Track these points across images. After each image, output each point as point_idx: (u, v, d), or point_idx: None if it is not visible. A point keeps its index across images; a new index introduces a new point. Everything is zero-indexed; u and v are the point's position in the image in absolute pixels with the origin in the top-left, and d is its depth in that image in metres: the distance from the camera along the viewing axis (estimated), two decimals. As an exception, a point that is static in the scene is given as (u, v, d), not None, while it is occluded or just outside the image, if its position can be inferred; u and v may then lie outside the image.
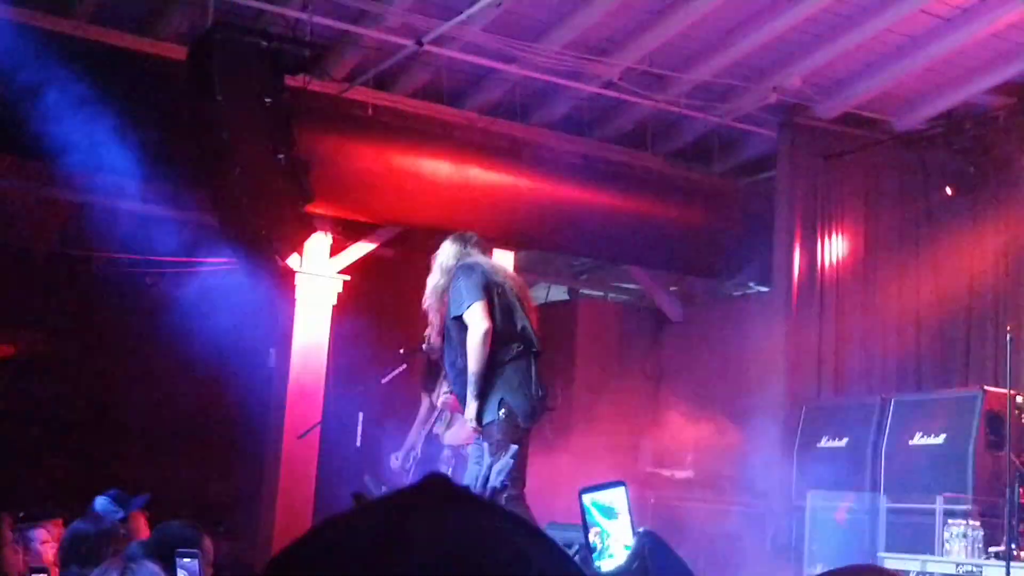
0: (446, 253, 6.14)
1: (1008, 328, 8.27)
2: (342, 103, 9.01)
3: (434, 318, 6.13)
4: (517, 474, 5.79)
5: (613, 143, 10.03)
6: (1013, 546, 6.95)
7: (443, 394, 7.37)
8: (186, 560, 3.59)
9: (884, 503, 7.69)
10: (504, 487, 5.71)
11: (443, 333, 6.05)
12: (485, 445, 5.80)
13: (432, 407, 7.60)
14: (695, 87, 9.11)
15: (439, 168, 9.01)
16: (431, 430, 7.61)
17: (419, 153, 9.00)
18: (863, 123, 9.47)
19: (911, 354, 9.34)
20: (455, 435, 7.43)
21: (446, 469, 7.30)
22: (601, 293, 13.13)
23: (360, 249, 9.76)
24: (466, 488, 0.88)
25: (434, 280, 6.11)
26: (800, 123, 9.42)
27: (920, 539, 7.33)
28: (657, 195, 9.84)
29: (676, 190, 9.99)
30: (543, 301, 13.14)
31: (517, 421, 5.79)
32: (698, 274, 11.21)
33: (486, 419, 5.75)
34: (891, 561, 7.25)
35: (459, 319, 5.81)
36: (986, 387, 7.82)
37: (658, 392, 11.56)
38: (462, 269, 5.93)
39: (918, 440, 7.82)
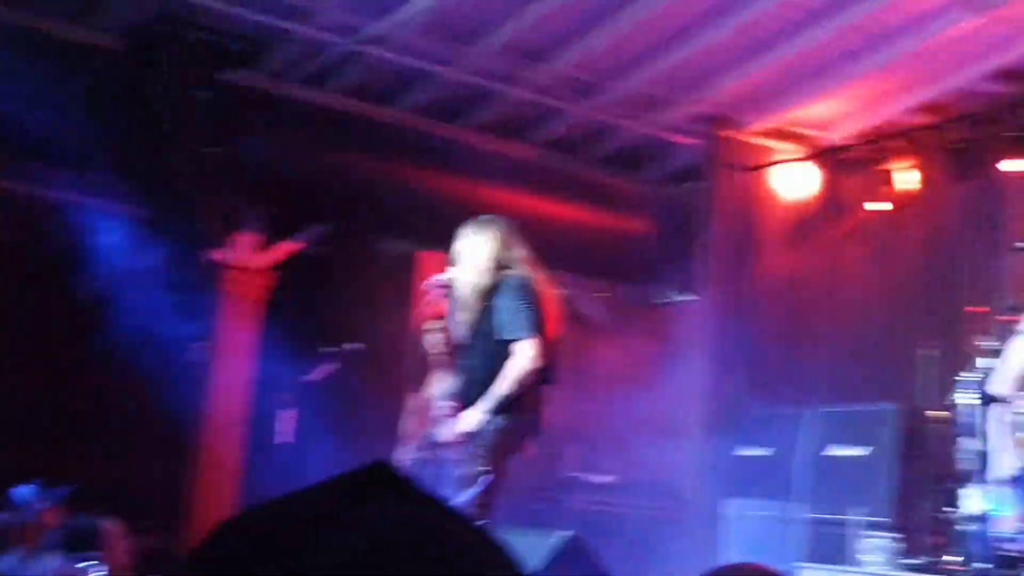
0: (485, 249, 5.84)
1: (925, 344, 8.47)
2: (273, 100, 8.94)
3: (461, 316, 5.83)
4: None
5: (544, 149, 10.06)
6: (927, 559, 7.11)
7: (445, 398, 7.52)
8: (89, 554, 3.57)
9: (802, 513, 7.81)
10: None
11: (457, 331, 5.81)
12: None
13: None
14: (626, 96, 9.18)
15: (369, 167, 8.99)
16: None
17: (348, 151, 8.96)
18: (789, 137, 9.61)
19: (834, 366, 9.49)
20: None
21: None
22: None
23: (287, 247, 9.69)
24: (410, 478, 0.86)
25: (470, 277, 5.78)
26: (728, 135, 9.54)
27: (837, 550, 7.46)
28: (586, 202, 9.88)
29: (605, 198, 10.04)
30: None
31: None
32: (623, 281, 11.28)
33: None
34: (808, 572, 7.37)
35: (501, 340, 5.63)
36: (901, 401, 7.98)
37: (581, 397, 11.60)
38: (518, 285, 5.71)
39: (838, 451, 7.95)
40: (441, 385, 7.52)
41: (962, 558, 6.88)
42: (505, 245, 5.85)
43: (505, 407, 5.67)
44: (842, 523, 7.52)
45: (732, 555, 8.02)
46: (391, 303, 9.34)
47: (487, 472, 5.70)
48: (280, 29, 8.40)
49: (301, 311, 9.78)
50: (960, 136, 8.67)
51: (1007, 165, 8.42)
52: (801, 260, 9.60)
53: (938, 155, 8.96)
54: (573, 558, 5.16)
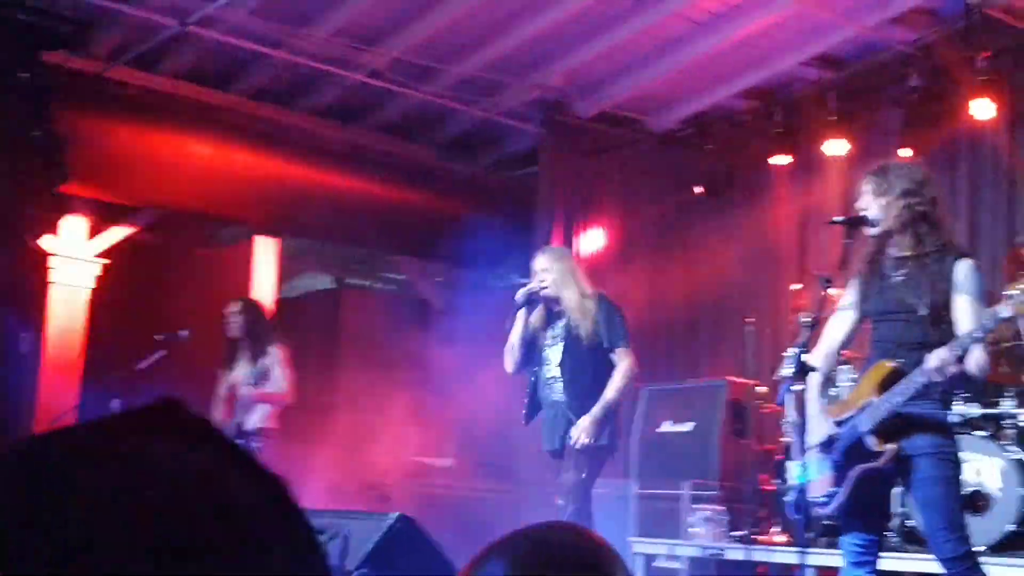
0: (575, 270, 6.41)
1: (750, 322, 8.72)
2: (103, 82, 8.74)
3: (583, 326, 6.18)
4: None
5: (380, 133, 10.05)
6: (753, 529, 7.33)
7: (247, 383, 7.51)
8: None
9: (635, 489, 7.96)
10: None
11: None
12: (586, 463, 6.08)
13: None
14: (461, 80, 9.23)
15: (202, 152, 8.86)
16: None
17: (182, 136, 8.82)
18: (621, 122, 9.78)
19: (664, 345, 9.70)
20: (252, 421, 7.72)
21: None
22: (368, 282, 13.13)
23: (119, 233, 9.50)
24: (205, 419, 0.84)
25: (575, 295, 6.22)
26: (561, 120, 9.66)
27: (668, 524, 7.63)
28: (423, 186, 9.90)
29: (441, 182, 10.09)
30: (308, 290, 13.07)
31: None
32: (462, 265, 11.33)
33: (603, 442, 6.07)
34: (640, 545, 7.54)
35: (603, 348, 6.15)
36: (730, 377, 8.20)
37: (423, 381, 11.63)
38: (612, 303, 6.36)
39: (668, 428, 8.14)
40: (243, 370, 7.60)
41: (783, 527, 7.14)
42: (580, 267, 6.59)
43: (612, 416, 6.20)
44: (675, 498, 7.69)
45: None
46: (226, 289, 9.22)
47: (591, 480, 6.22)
48: (110, 10, 8.21)
49: (132, 298, 9.60)
50: (782, 120, 8.94)
51: (828, 147, 8.71)
52: (634, 241, 9.79)
53: (760, 138, 9.23)
54: (405, 539, 5.21)
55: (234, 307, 8.00)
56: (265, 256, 10.60)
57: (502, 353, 9.62)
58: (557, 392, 6.22)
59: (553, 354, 6.29)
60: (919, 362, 4.33)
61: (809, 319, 4.82)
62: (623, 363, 6.20)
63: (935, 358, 4.25)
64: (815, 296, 5.03)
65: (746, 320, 8.71)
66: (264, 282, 10.53)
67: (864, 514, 4.68)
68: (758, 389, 7.98)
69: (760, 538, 7.24)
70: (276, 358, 7.85)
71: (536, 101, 9.51)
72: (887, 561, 6.10)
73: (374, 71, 9.00)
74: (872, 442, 4.50)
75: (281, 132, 9.37)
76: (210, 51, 8.86)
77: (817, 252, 8.77)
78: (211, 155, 8.88)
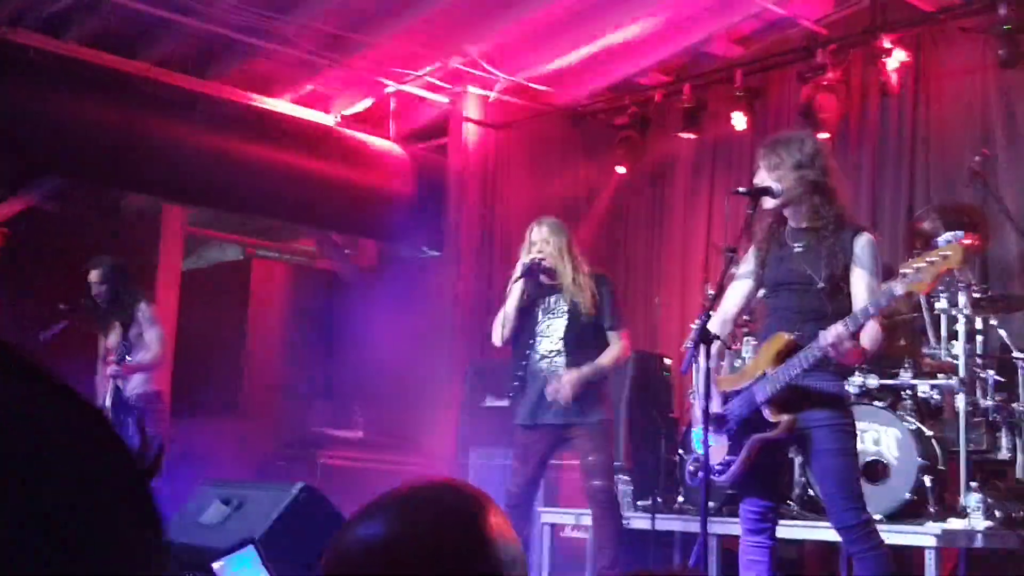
0: (572, 244, 6.31)
1: (657, 296, 8.81)
2: (5, 47, 8.52)
3: (583, 301, 6.15)
4: None
5: (293, 103, 9.94)
6: (659, 500, 7.41)
7: (119, 354, 7.38)
8: None
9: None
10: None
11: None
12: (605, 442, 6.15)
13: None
14: (372, 50, 9.16)
15: (108, 120, 8.67)
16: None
17: (86, 103, 8.63)
18: (532, 95, 9.79)
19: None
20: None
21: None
22: (276, 253, 13.02)
23: (19, 202, 9.31)
24: (26, 354, 0.81)
25: (573, 269, 6.17)
26: (473, 92, 9.65)
27: (577, 494, 7.68)
28: (333, 157, 9.81)
29: (351, 153, 9.99)
30: (217, 261, 12.93)
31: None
32: (372, 237, 11.29)
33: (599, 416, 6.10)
34: (549, 515, 7.57)
35: (601, 326, 6.16)
36: (637, 349, 8.26)
37: (331, 353, 11.59)
38: (613, 284, 6.43)
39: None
40: (116, 336, 7.49)
41: (688, 497, 7.23)
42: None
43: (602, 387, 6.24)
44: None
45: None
46: (133, 259, 9.08)
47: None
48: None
49: (35, 269, 9.43)
50: (691, 95, 9.01)
51: (735, 122, 8.81)
52: (544, 214, 9.78)
53: (669, 113, 9.30)
54: (309, 509, 5.19)
55: (95, 275, 7.78)
56: (173, 227, 10.46)
57: (411, 323, 9.60)
58: (557, 365, 6.16)
59: (553, 328, 6.22)
60: (815, 334, 4.41)
61: (712, 290, 4.88)
62: (620, 344, 6.24)
63: (830, 334, 4.32)
64: (719, 267, 5.08)
65: (655, 293, 8.79)
66: (171, 252, 10.40)
67: (761, 482, 4.76)
68: (665, 360, 8.06)
69: (666, 507, 7.32)
70: (145, 318, 7.68)
71: (448, 73, 9.47)
72: (786, 529, 6.23)
73: (285, 40, 8.90)
74: (768, 412, 4.58)
75: (192, 101, 9.20)
76: (118, 17, 8.68)
77: (723, 224, 8.87)
78: (117, 123, 8.69)
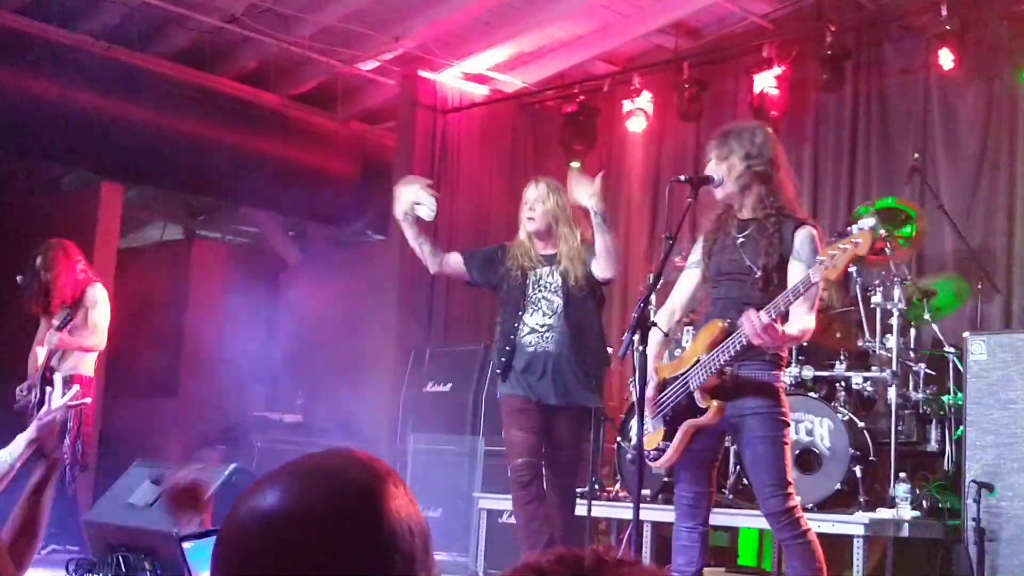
0: (570, 208, 5.82)
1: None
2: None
3: (573, 273, 5.78)
4: None
5: (236, 81, 9.85)
6: (596, 487, 7.44)
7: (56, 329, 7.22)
8: None
9: (482, 446, 8.01)
10: None
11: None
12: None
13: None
14: (321, 30, 9.11)
15: (46, 94, 8.53)
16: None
17: (23, 76, 8.48)
18: (483, 81, 9.78)
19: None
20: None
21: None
22: (219, 235, 12.92)
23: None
24: None
25: (573, 237, 5.79)
26: (421, 76, 9.62)
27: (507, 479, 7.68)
28: (278, 137, 9.73)
29: (297, 133, 9.92)
30: (157, 240, 12.81)
31: None
32: (317, 220, 11.23)
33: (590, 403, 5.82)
34: (486, 500, 7.58)
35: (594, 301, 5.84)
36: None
37: (272, 336, 11.54)
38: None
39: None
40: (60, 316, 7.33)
41: (624, 484, 7.27)
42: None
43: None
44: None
45: (416, 489, 8.13)
46: (72, 236, 8.97)
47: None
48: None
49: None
50: (639, 86, 9.06)
51: (683, 115, 8.89)
52: (490, 200, 9.81)
53: (617, 102, 9.33)
54: (240, 490, 5.19)
55: (41, 257, 7.57)
56: (111, 204, 10.34)
57: (355, 307, 9.53)
58: (548, 342, 5.76)
59: (546, 301, 5.82)
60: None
61: (652, 278, 4.90)
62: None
63: (747, 320, 4.36)
64: (659, 256, 5.09)
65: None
66: (108, 231, 10.28)
67: (694, 469, 4.79)
68: (609, 349, 8.07)
69: (602, 494, 7.35)
70: (91, 301, 7.53)
71: (398, 55, 9.44)
72: (720, 516, 6.28)
73: (230, 16, 8.82)
74: (699, 398, 4.62)
75: (131, 76, 9.08)
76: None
77: (665, 214, 8.90)
78: (55, 98, 8.55)
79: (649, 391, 4.80)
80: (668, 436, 4.77)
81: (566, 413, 5.77)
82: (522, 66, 9.60)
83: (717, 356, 4.54)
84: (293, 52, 9.36)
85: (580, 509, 6.81)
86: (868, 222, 4.21)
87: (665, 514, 6.51)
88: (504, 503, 7.60)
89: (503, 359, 5.86)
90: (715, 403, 4.58)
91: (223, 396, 10.79)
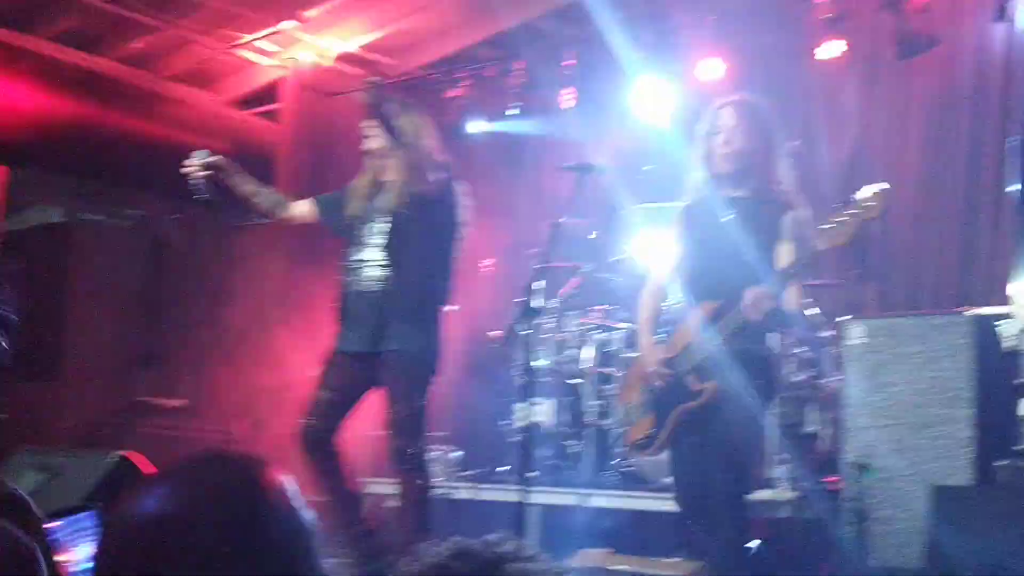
0: (421, 129, 5.54)
1: (485, 265, 8.88)
2: None
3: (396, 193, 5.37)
4: None
5: (118, 62, 9.63)
6: (483, 470, 7.50)
7: None
8: None
9: (369, 430, 7.99)
10: None
11: None
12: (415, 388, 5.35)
13: None
14: (202, 11, 8.97)
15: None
16: None
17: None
18: (366, 64, 9.72)
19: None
20: None
21: None
22: (101, 217, 12.65)
23: None
24: None
25: (411, 158, 5.41)
26: (306, 58, 9.53)
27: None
28: (157, 119, 9.55)
29: (177, 115, 9.74)
30: (36, 223, 12.51)
31: None
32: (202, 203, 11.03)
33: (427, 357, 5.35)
34: (373, 486, 7.57)
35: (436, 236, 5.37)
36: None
37: (158, 320, 11.37)
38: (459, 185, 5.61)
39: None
40: None
41: (510, 467, 7.33)
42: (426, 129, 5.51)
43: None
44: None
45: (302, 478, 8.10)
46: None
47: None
48: None
49: None
50: (522, 71, 9.11)
51: (564, 99, 9.03)
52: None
53: (500, 87, 9.37)
54: (126, 479, 5.13)
55: None
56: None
57: (237, 290, 9.41)
58: (372, 281, 5.31)
59: (373, 233, 5.40)
60: (739, 301, 4.45)
61: (538, 263, 4.92)
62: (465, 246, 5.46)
63: (750, 294, 4.38)
64: (546, 241, 5.13)
65: (481, 264, 8.86)
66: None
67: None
68: (491, 332, 8.12)
69: (489, 477, 7.40)
70: None
71: (280, 37, 9.34)
72: (603, 499, 6.39)
73: (111, -4, 8.66)
74: (691, 381, 4.61)
75: (13, 56, 8.82)
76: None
77: (551, 198, 8.97)
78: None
79: (645, 368, 4.78)
80: (657, 423, 4.76)
81: (386, 361, 5.24)
82: (405, 48, 9.55)
83: (711, 338, 4.53)
84: (175, 33, 9.20)
85: (466, 492, 6.83)
86: (882, 185, 4.14)
87: (551, 496, 6.59)
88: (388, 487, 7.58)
89: (337, 305, 5.42)
90: (709, 386, 4.56)
91: (108, 381, 10.62)
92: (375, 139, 5.55)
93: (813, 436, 6.79)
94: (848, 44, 7.77)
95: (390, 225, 5.33)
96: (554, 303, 7.33)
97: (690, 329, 4.67)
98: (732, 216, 4.70)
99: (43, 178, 11.39)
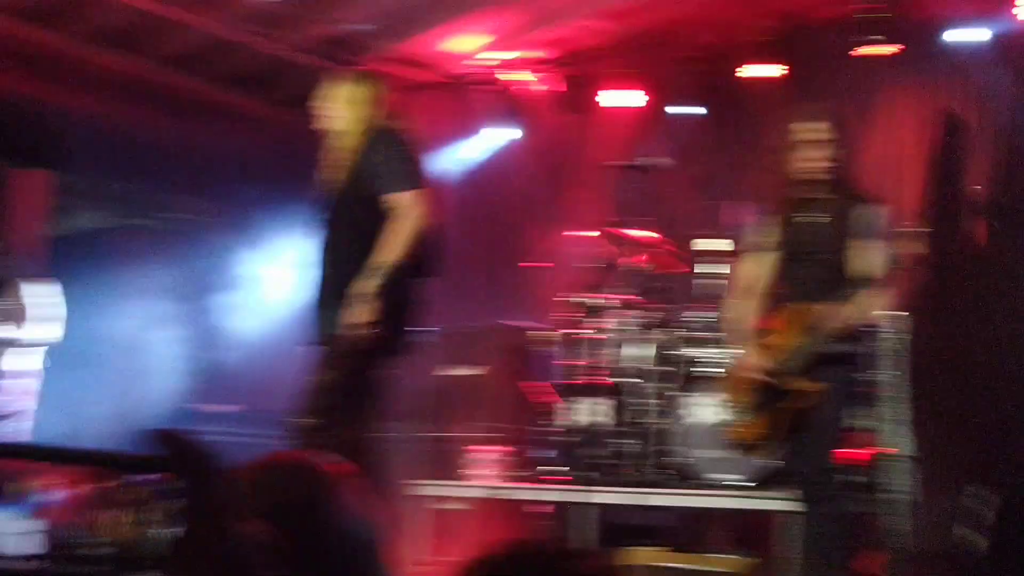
0: (370, 101, 5.23)
1: (526, 265, 8.85)
2: None
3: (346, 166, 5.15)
4: None
5: (162, 64, 9.58)
6: (534, 470, 7.42)
7: None
8: None
9: (418, 431, 7.94)
10: None
11: None
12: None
13: None
14: (251, 12, 8.93)
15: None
16: None
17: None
18: (416, 64, 9.67)
19: (455, 287, 9.66)
20: None
21: None
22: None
23: None
24: None
25: (350, 129, 5.15)
26: (355, 60, 9.49)
27: (452, 467, 7.63)
28: (205, 122, 9.52)
29: (226, 118, 9.71)
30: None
31: None
32: (240, 205, 10.99)
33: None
34: (425, 488, 7.50)
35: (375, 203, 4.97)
36: (509, 321, 8.24)
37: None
38: (398, 137, 5.20)
39: (450, 370, 8.10)
40: None
41: (567, 468, 7.22)
42: (380, 102, 5.15)
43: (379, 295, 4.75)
44: (457, 440, 7.73)
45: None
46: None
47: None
48: None
49: None
50: (573, 71, 9.10)
51: (605, 99, 9.16)
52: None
53: (556, 88, 9.38)
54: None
55: None
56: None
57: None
58: (323, 264, 5.07)
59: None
60: (832, 302, 4.61)
61: (602, 264, 4.93)
62: (404, 212, 4.83)
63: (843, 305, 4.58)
64: (605, 242, 5.13)
65: (522, 263, 8.81)
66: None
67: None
68: (541, 333, 8.00)
69: (544, 478, 7.31)
70: None
71: (328, 38, 9.31)
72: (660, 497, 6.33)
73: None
74: (796, 382, 4.67)
75: (51, 58, 8.77)
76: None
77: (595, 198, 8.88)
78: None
79: (753, 372, 4.81)
80: (772, 424, 4.82)
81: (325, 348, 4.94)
82: (456, 50, 9.51)
83: (817, 339, 4.65)
84: (221, 35, 9.17)
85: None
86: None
87: (610, 496, 6.55)
88: (445, 489, 7.52)
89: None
90: (817, 386, 4.67)
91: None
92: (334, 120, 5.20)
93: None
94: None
95: (334, 203, 5.17)
96: (614, 301, 7.19)
97: (790, 331, 4.69)
98: (828, 219, 4.73)
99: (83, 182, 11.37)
